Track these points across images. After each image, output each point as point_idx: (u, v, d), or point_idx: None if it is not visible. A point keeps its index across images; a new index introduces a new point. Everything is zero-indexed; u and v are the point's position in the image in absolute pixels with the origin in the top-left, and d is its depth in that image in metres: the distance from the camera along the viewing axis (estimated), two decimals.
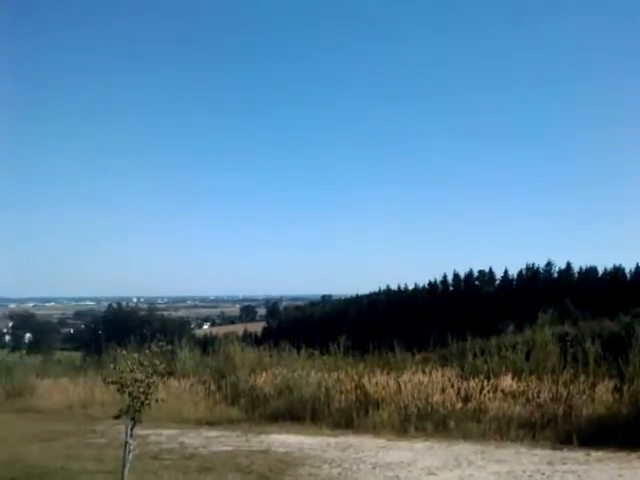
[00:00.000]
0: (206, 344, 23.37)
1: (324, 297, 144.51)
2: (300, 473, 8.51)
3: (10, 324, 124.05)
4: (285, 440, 11.09)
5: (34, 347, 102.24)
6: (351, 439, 11.03)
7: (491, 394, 11.92)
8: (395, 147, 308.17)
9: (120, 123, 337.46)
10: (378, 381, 13.07)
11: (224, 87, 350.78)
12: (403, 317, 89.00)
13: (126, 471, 7.40)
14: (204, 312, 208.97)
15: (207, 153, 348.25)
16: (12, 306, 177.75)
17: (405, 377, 13.17)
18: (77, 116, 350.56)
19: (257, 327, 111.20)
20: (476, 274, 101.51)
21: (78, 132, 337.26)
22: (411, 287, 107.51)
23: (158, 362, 7.79)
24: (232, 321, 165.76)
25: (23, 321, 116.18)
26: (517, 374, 12.63)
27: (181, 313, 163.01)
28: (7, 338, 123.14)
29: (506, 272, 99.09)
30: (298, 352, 16.41)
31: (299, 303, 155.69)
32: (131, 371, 7.46)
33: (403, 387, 12.69)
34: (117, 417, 7.69)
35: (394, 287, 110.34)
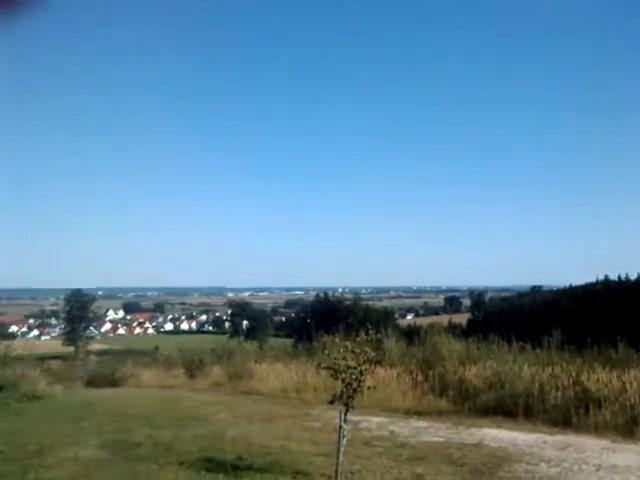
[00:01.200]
0: (411, 334, 23.39)
1: (534, 288, 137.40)
2: (516, 469, 8.16)
3: (229, 312, 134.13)
4: (497, 435, 10.72)
5: (250, 333, 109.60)
6: (570, 438, 10.36)
7: None
8: None
9: None
10: (599, 378, 12.16)
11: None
12: (625, 310, 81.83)
13: (341, 455, 7.60)
14: (407, 302, 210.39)
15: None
16: (231, 295, 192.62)
17: (630, 375, 12.11)
18: None
19: (462, 318, 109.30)
20: None
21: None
22: (633, 277, 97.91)
23: (369, 350, 7.91)
24: (436, 312, 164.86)
25: (240, 309, 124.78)
26: None
27: (384, 303, 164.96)
28: (227, 325, 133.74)
29: None
30: (508, 345, 15.79)
31: (505, 294, 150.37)
32: (344, 358, 7.64)
33: (628, 386, 11.66)
34: (331, 402, 7.93)
35: (614, 277, 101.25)
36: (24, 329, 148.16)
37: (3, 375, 18.81)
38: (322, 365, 8.46)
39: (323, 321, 66.24)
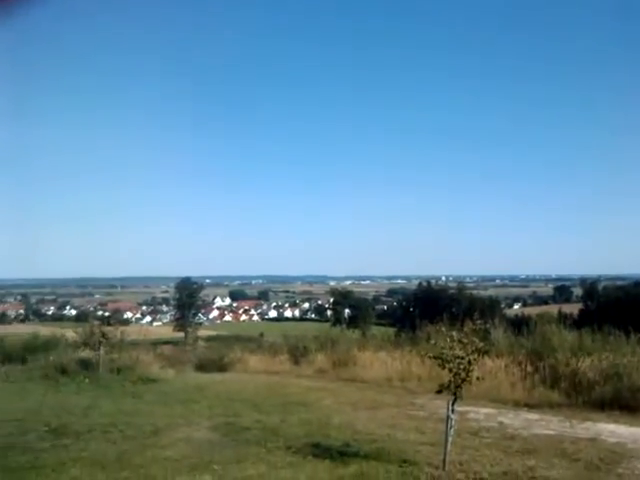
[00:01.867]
0: (519, 324, 22.70)
1: None
2: (636, 466, 7.74)
3: (331, 300, 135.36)
4: (615, 430, 10.20)
5: (352, 322, 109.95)
6: None
7: None
8: None
9: None
10: None
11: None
12: None
13: (449, 444, 7.49)
14: (514, 291, 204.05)
15: None
16: (332, 284, 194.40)
17: None
18: None
19: (573, 308, 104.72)
20: None
21: None
22: None
23: (477, 340, 7.74)
24: (545, 301, 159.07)
25: (342, 297, 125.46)
26: None
27: (490, 292, 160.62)
28: (329, 313, 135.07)
29: None
30: (626, 336, 14.98)
31: (621, 283, 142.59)
32: (451, 348, 7.52)
33: None
34: (439, 392, 7.83)
35: None
36: (138, 315, 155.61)
37: (120, 359, 19.84)
38: (429, 354, 8.36)
39: (426, 310, 65.67)
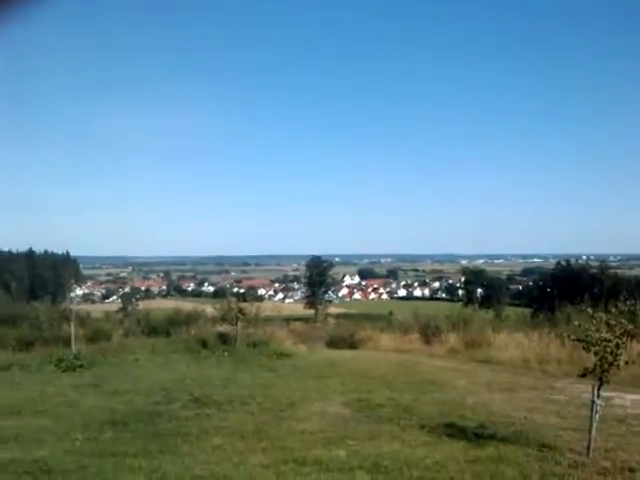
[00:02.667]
0: None
1: None
2: None
3: (462, 279, 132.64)
4: None
5: (485, 302, 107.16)
6: None
7: None
8: None
9: None
10: None
11: None
12: None
13: (593, 431, 7.12)
14: None
15: None
16: (464, 262, 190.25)
17: None
18: None
19: None
20: None
21: None
22: None
23: (625, 322, 7.29)
24: None
25: (475, 277, 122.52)
26: None
27: (636, 271, 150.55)
28: (460, 292, 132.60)
29: None
30: None
31: None
32: (597, 330, 7.12)
33: None
34: (582, 375, 7.46)
35: None
36: (270, 292, 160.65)
37: (255, 334, 20.60)
38: (571, 337, 7.97)
39: (565, 290, 62.73)
